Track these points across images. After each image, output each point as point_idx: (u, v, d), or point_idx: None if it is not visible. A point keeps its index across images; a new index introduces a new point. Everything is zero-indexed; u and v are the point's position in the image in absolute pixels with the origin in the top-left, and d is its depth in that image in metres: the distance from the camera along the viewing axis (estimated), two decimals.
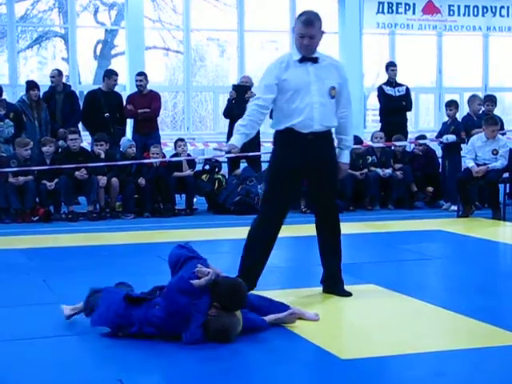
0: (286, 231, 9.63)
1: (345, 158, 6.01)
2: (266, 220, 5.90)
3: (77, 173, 10.64)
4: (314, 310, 5.32)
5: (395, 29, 16.59)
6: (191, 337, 4.55)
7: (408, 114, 13.45)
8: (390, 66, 13.26)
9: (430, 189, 12.11)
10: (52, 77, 12.22)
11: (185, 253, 5.10)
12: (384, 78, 13.40)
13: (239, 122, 5.68)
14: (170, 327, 4.60)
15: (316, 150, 5.71)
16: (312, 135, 5.67)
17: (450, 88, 17.48)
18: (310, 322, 5.06)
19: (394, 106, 12.92)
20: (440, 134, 12.08)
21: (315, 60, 5.70)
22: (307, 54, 5.67)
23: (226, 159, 12.31)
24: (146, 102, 12.18)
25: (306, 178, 5.87)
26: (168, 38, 17.19)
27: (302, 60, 5.68)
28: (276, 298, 5.39)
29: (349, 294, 5.88)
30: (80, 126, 12.34)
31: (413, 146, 12.81)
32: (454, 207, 11.26)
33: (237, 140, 5.62)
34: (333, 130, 5.92)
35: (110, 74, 12.29)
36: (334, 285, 5.99)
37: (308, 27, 5.61)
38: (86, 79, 16.70)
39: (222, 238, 9.18)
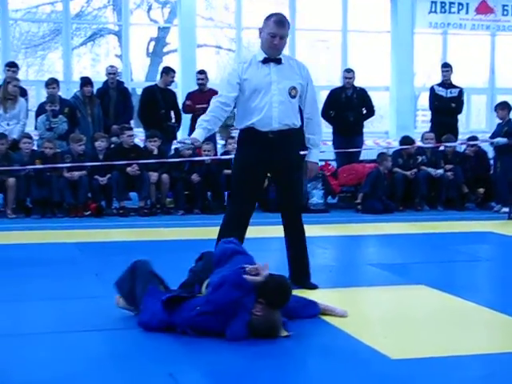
0: (335, 230, 9.71)
1: (313, 157, 6.12)
2: (231, 219, 5.99)
3: (128, 169, 10.77)
4: (362, 308, 5.34)
5: (448, 28, 16.43)
6: (236, 334, 4.58)
7: (459, 115, 13.36)
8: (443, 67, 13.19)
9: (481, 190, 12.02)
10: (113, 73, 12.34)
11: (231, 247, 5.14)
12: (435, 78, 13.32)
13: (202, 117, 5.81)
14: (214, 324, 4.61)
15: (277, 149, 5.80)
16: (272, 134, 5.78)
17: (502, 89, 17.27)
18: (358, 321, 5.07)
19: (443, 107, 12.84)
20: (493, 135, 11.98)
21: (279, 61, 5.81)
22: (274, 55, 5.79)
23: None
24: (206, 99, 12.20)
25: (269, 176, 6.05)
26: (220, 36, 17.26)
27: (265, 61, 5.80)
28: (326, 296, 5.43)
29: (315, 287, 5.98)
30: (132, 122, 12.46)
31: (464, 146, 12.72)
32: (506, 209, 11.16)
33: (199, 134, 5.74)
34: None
35: (168, 71, 12.39)
36: (301, 279, 6.04)
37: (280, 27, 5.72)
38: (137, 76, 16.84)
39: (271, 236, 9.18)
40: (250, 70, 5.81)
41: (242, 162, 5.96)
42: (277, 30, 5.71)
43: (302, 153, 6.10)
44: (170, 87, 12.49)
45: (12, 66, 12.05)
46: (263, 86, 5.76)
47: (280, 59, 5.82)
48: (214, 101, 5.85)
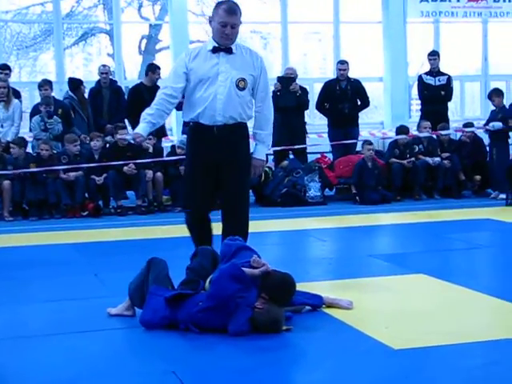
0: (333, 222, 9.72)
1: (259, 153, 5.79)
2: (189, 216, 5.81)
3: (125, 168, 10.75)
4: (363, 300, 5.33)
5: (439, 17, 16.40)
6: (238, 329, 4.57)
7: (453, 102, 13.36)
8: (430, 56, 13.19)
9: (478, 177, 12.02)
10: (105, 73, 12.32)
11: (236, 243, 5.14)
12: (429, 66, 13.31)
13: (147, 110, 5.60)
14: (216, 320, 4.61)
15: (222, 144, 5.52)
16: (217, 128, 5.52)
17: (495, 75, 17.25)
18: (359, 312, 5.07)
19: (433, 95, 12.84)
20: (488, 122, 11.98)
21: (229, 50, 5.53)
22: (226, 44, 5.50)
23: (272, 152, 12.34)
24: None
25: (216, 171, 5.61)
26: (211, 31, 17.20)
27: (214, 50, 5.52)
28: (326, 288, 5.43)
29: None
30: (126, 121, 12.43)
31: (459, 134, 12.71)
32: (503, 196, 11.17)
33: (142, 129, 5.57)
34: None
35: (154, 69, 12.34)
36: None
37: (231, 16, 5.44)
38: (131, 74, 16.81)
39: (269, 230, 9.20)
40: (198, 60, 5.53)
41: (191, 157, 5.73)
42: (227, 18, 5.42)
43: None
44: (158, 84, 12.44)
45: (4, 68, 12.03)
46: (209, 76, 5.48)
47: (231, 49, 5.52)
48: (159, 93, 5.64)
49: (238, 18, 5.50)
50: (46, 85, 11.79)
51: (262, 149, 5.82)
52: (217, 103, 5.47)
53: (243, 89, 5.52)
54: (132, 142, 5.78)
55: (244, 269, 4.73)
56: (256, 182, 11.61)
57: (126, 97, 12.60)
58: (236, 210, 5.71)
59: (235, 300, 4.60)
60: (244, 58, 5.58)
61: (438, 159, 11.83)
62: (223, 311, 4.60)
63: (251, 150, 5.82)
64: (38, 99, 11.99)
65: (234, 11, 5.45)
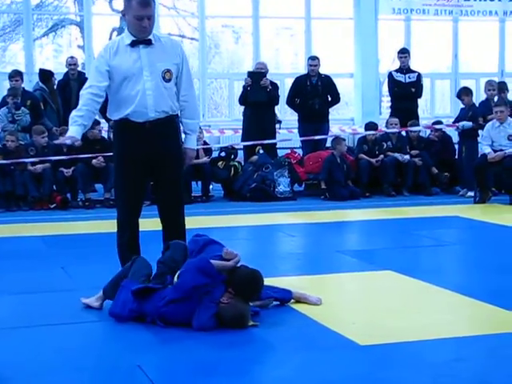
0: (303, 217, 9.73)
1: (190, 143, 5.65)
2: (120, 216, 5.58)
3: (94, 161, 10.69)
4: (330, 295, 5.35)
5: (411, 14, 16.49)
6: (203, 325, 4.56)
7: (423, 100, 13.42)
8: (400, 53, 13.24)
9: (447, 175, 12.09)
10: (73, 64, 12.27)
11: (204, 238, 5.13)
12: (399, 64, 13.36)
13: (76, 112, 5.29)
14: (181, 314, 4.60)
15: (155, 139, 5.36)
16: (149, 124, 5.34)
17: (466, 73, 17.38)
18: (326, 308, 5.09)
19: (403, 93, 12.89)
20: (457, 120, 12.06)
21: (148, 42, 5.32)
22: (144, 36, 5.29)
23: (241, 146, 12.33)
24: None
25: (149, 167, 5.45)
26: (183, 25, 17.19)
27: (133, 44, 5.30)
28: (294, 283, 5.43)
29: None
30: None
31: (428, 131, 12.78)
32: (471, 193, 11.25)
33: (76, 132, 5.27)
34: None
35: None
36: None
37: (146, 8, 5.22)
38: None
39: (238, 225, 9.20)
40: (118, 57, 5.30)
41: (121, 157, 5.49)
42: (143, 11, 5.19)
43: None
44: None
45: None
46: (133, 72, 5.27)
47: (150, 40, 5.31)
48: (84, 92, 5.34)
49: (153, 9, 5.29)
50: (16, 75, 11.71)
51: (192, 138, 5.67)
52: (147, 100, 5.29)
53: (169, 80, 5.35)
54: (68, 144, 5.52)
55: (216, 261, 4.72)
56: (225, 177, 11.63)
57: None
58: (174, 205, 5.57)
59: (200, 294, 4.59)
60: (164, 48, 5.38)
61: (407, 157, 11.87)
62: (188, 304, 4.59)
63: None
64: (6, 91, 11.87)
65: (147, 3, 5.23)
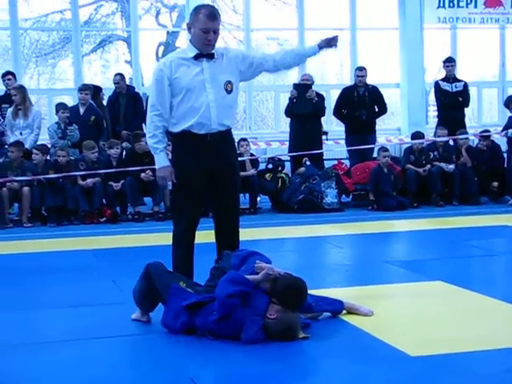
0: (350, 228, 9.72)
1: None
2: (178, 230, 5.61)
3: (143, 174, 10.80)
4: (380, 306, 5.34)
5: (456, 23, 16.40)
6: (251, 338, 4.56)
7: (470, 108, 13.33)
8: (446, 62, 13.17)
9: (495, 184, 11.98)
10: (116, 83, 12.41)
11: (246, 250, 5.14)
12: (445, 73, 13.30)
13: (151, 140, 5.43)
14: (228, 331, 4.61)
15: (216, 152, 5.38)
16: (211, 136, 5.36)
17: None
18: (376, 319, 5.08)
19: (450, 102, 12.82)
20: (505, 128, 11.96)
21: (211, 56, 5.36)
22: (208, 50, 5.33)
23: (288, 158, 12.37)
24: None
25: (208, 181, 5.46)
26: (229, 38, 17.30)
27: (196, 57, 5.35)
28: (343, 294, 5.43)
29: None
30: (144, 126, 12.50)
31: (476, 140, 12.68)
32: None
33: (164, 159, 5.45)
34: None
35: None
36: None
37: (213, 21, 5.27)
38: (148, 81, 16.88)
39: (285, 237, 9.22)
40: (180, 69, 5.32)
41: (181, 169, 5.45)
42: (210, 24, 5.24)
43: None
44: None
45: (5, 74, 12.16)
46: (196, 84, 5.30)
47: (213, 54, 5.36)
48: (150, 115, 5.43)
49: (219, 23, 5.35)
50: (86, 89, 11.91)
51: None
52: (210, 112, 5.33)
53: (231, 91, 5.40)
54: (170, 181, 5.59)
55: (247, 276, 4.72)
56: (273, 189, 11.66)
57: (143, 103, 12.66)
58: (233, 218, 5.61)
59: (242, 309, 4.59)
60: (224, 59, 5.43)
61: (452, 166, 11.80)
62: (233, 322, 4.59)
63: None
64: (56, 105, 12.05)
65: (215, 16, 5.30)
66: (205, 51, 5.34)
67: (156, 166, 5.55)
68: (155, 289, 4.94)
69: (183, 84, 5.31)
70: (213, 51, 5.37)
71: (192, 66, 5.34)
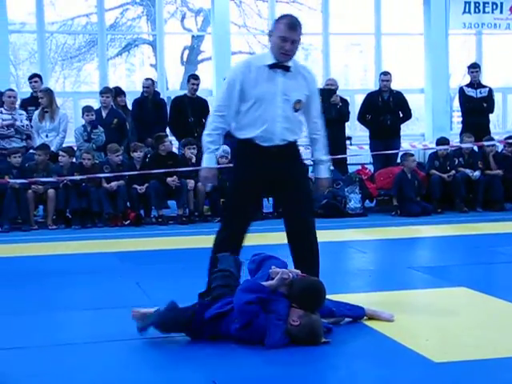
0: (374, 233, 9.70)
1: (323, 172, 5.68)
2: (227, 235, 5.43)
3: (169, 179, 10.83)
4: (403, 312, 5.33)
5: (482, 29, 16.33)
6: (275, 344, 4.54)
7: (495, 114, 13.28)
8: (471, 68, 13.13)
9: None
10: (146, 87, 12.45)
11: (262, 255, 5.12)
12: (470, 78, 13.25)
13: (207, 138, 5.36)
14: (251, 339, 4.60)
15: (279, 163, 5.29)
16: (275, 148, 5.28)
17: None
18: (399, 324, 5.07)
19: (475, 108, 12.77)
20: None
21: (287, 68, 5.27)
22: (284, 61, 5.24)
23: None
24: None
25: (270, 191, 5.46)
26: (253, 42, 17.32)
27: (273, 66, 5.25)
28: (366, 300, 5.43)
29: None
30: (168, 131, 12.54)
31: (501, 146, 12.63)
32: None
33: (211, 160, 5.41)
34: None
35: (189, 79, 12.51)
36: None
37: (292, 31, 5.18)
38: (173, 85, 16.95)
39: None
40: (255, 76, 5.24)
41: (241, 175, 5.42)
42: (288, 33, 5.16)
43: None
44: (200, 96, 12.53)
45: (32, 77, 12.26)
46: (267, 95, 5.22)
47: (289, 67, 5.26)
48: (215, 114, 5.37)
49: (299, 34, 5.22)
50: (107, 92, 12.00)
51: (324, 168, 5.69)
52: (276, 127, 5.25)
53: (298, 110, 5.32)
54: (210, 185, 5.49)
55: (263, 282, 4.72)
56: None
57: (167, 108, 12.70)
58: (301, 226, 5.52)
59: (263, 315, 4.58)
60: (299, 78, 5.33)
61: (477, 173, 11.76)
62: (255, 328, 4.57)
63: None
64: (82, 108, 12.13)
65: (295, 27, 5.19)
66: (282, 61, 5.25)
67: (202, 165, 5.51)
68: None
69: (255, 92, 5.24)
70: (290, 64, 5.28)
71: (267, 75, 5.26)
